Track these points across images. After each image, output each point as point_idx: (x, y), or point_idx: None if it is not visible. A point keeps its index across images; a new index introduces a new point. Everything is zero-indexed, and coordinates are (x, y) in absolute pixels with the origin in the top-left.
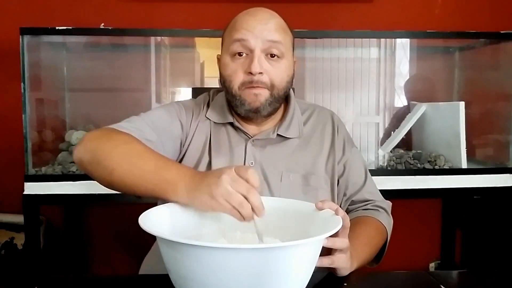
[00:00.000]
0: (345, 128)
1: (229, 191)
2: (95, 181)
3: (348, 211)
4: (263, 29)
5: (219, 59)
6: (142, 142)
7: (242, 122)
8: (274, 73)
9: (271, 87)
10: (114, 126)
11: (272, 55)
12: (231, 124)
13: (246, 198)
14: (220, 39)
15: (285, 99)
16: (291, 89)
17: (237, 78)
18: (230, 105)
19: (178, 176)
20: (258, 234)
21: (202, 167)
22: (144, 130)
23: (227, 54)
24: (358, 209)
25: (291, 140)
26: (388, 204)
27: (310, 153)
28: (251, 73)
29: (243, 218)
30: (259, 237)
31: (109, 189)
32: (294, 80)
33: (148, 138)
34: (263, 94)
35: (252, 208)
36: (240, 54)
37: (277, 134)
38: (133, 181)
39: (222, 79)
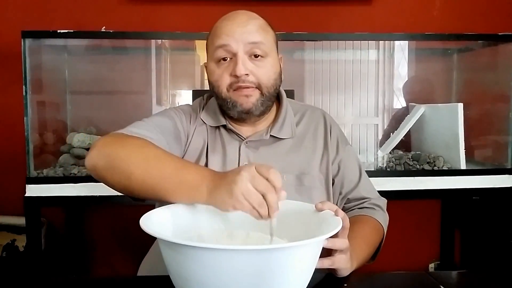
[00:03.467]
0: (338, 126)
1: (249, 189)
2: (103, 185)
3: (344, 210)
4: (243, 31)
5: (206, 66)
6: (157, 146)
7: (235, 124)
8: (260, 72)
9: (260, 86)
10: (122, 131)
11: (256, 56)
12: (224, 126)
13: (263, 196)
14: None
15: (277, 100)
16: (282, 90)
17: (224, 81)
18: (222, 108)
19: (199, 177)
20: (271, 234)
21: None
22: (152, 135)
23: (212, 61)
24: (353, 208)
25: (285, 141)
26: (383, 202)
27: (304, 153)
28: (236, 75)
29: (261, 217)
30: (272, 236)
31: (112, 192)
32: (293, 82)
33: (157, 142)
34: (254, 95)
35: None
36: (224, 59)
37: (270, 135)
38: (152, 184)
39: (211, 86)
